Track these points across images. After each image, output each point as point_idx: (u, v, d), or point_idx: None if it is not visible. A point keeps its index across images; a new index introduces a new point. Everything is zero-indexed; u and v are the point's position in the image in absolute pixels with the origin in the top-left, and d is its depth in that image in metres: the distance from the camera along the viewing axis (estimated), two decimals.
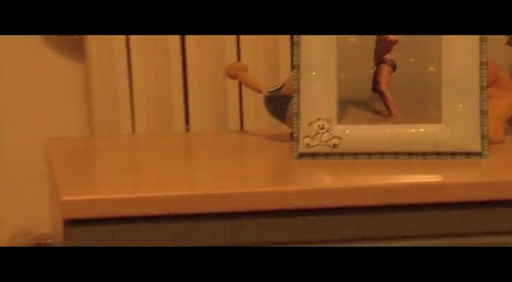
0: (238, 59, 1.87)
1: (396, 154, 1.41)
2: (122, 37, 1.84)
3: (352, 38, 1.44)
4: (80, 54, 1.90)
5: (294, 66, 1.46)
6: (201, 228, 1.24)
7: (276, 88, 1.65)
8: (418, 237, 1.27)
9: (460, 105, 1.38)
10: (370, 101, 1.43)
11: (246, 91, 1.97)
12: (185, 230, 1.24)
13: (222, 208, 1.22)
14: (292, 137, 1.47)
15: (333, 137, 1.41)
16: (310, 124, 1.42)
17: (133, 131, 1.99)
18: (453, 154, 1.39)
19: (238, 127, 2.03)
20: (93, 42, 1.85)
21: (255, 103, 1.97)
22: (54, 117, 2.04)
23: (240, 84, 1.96)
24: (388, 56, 1.42)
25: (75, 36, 1.86)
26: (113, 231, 1.21)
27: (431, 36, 1.39)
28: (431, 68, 1.40)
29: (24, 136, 2.03)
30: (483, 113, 1.38)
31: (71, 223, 1.19)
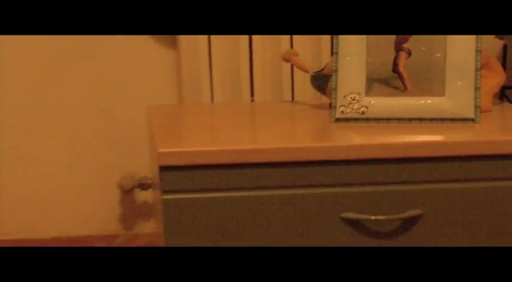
0: (291, 47, 1.88)
1: (409, 120, 1.45)
2: None
3: None
4: (173, 43, 1.91)
5: (333, 53, 1.50)
6: (260, 174, 1.30)
7: (319, 69, 1.67)
8: (426, 182, 1.32)
9: (459, 83, 1.42)
10: (390, 79, 1.48)
11: (296, 71, 1.98)
12: (249, 175, 1.30)
13: (277, 159, 1.28)
14: (331, 106, 1.50)
15: (362, 106, 1.46)
16: (344, 96, 1.46)
17: (212, 100, 2.00)
18: (453, 120, 1.44)
19: (290, 98, 2.04)
20: (184, 35, 1.89)
21: (303, 80, 1.97)
22: (154, 90, 2.08)
23: (292, 66, 1.97)
24: (405, 45, 1.45)
25: None
26: (195, 174, 1.28)
27: None
28: (438, 54, 1.44)
29: (133, 104, 2.07)
30: (477, 88, 1.41)
31: (164, 168, 1.27)
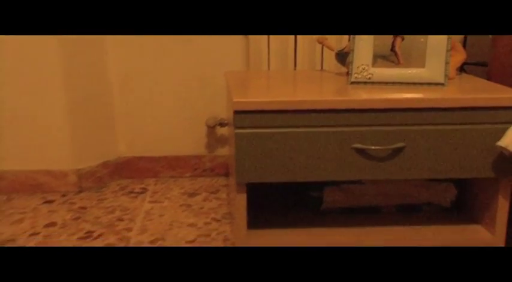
0: None
1: (400, 83, 1.46)
2: None
3: None
4: None
5: (350, 38, 1.51)
6: (299, 117, 1.34)
7: (341, 48, 1.68)
8: (409, 125, 1.36)
9: (435, 59, 1.45)
10: (389, 55, 1.49)
11: (325, 49, 1.98)
12: (292, 118, 1.34)
13: (310, 107, 1.33)
14: (348, 74, 1.52)
15: (369, 74, 1.48)
16: (357, 67, 1.48)
17: (268, 68, 2.00)
18: (429, 84, 1.45)
19: (320, 68, 2.02)
20: None
21: (329, 56, 1.97)
22: (230, 62, 2.08)
23: (322, 46, 1.97)
24: None
25: None
26: (257, 117, 1.33)
27: None
28: (422, 40, 1.45)
29: (217, 70, 2.08)
30: (447, 63, 1.43)
31: (237, 112, 1.32)
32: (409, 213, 1.58)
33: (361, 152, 1.34)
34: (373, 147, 1.33)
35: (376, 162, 1.36)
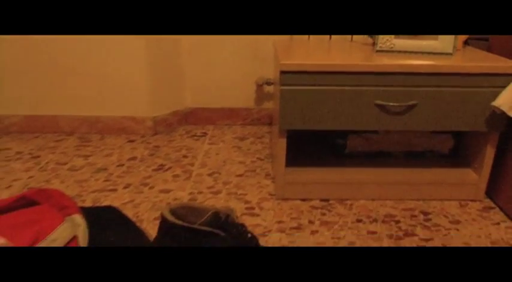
0: None
1: (417, 52, 1.44)
2: None
3: None
4: None
5: None
6: (333, 77, 1.33)
7: None
8: (422, 86, 1.34)
9: (446, 36, 1.41)
10: None
11: None
12: (327, 78, 1.33)
13: (342, 69, 1.32)
14: (374, 44, 1.51)
15: (391, 44, 1.46)
16: (382, 38, 1.47)
17: (309, 38, 1.95)
18: (440, 53, 1.43)
19: (350, 39, 1.94)
20: None
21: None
22: None
23: None
24: None
25: None
26: (298, 76, 1.32)
27: None
28: None
29: (267, 39, 2.07)
30: (456, 38, 1.40)
31: (283, 72, 1.32)
32: (414, 158, 1.61)
33: (381, 107, 1.34)
34: (391, 104, 1.33)
35: (392, 116, 1.36)
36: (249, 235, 1.07)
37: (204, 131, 2.11)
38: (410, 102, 1.34)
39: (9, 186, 1.57)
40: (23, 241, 0.96)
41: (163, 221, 1.08)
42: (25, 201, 1.07)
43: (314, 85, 1.33)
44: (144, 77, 2.01)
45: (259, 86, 2.12)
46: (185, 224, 1.05)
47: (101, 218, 1.07)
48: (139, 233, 1.05)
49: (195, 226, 1.04)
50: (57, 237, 0.98)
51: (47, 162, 1.74)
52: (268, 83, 2.07)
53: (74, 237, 1.00)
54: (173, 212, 1.10)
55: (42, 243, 0.97)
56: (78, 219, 1.03)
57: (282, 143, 1.41)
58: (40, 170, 1.68)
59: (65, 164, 1.73)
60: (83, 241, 1.00)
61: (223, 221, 1.05)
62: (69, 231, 1.00)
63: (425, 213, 1.38)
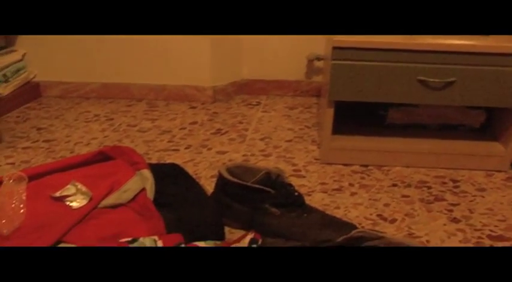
0: None
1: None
2: None
3: None
4: None
5: None
6: (382, 53, 1.32)
7: None
8: (460, 64, 1.31)
9: None
10: None
11: None
12: (376, 54, 1.32)
13: (389, 46, 1.30)
14: None
15: None
16: None
17: None
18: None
19: None
20: None
21: None
22: None
23: None
24: None
25: None
26: (350, 53, 1.32)
27: None
28: None
29: None
30: None
31: (335, 48, 1.31)
32: (448, 130, 1.58)
33: (422, 82, 1.31)
34: (431, 80, 1.30)
35: (432, 91, 1.34)
36: (296, 193, 1.07)
37: (258, 100, 2.11)
38: (449, 79, 1.32)
39: (88, 143, 1.64)
40: (100, 190, 1.00)
41: (220, 178, 1.10)
42: (102, 156, 1.11)
43: (362, 60, 1.31)
44: (206, 51, 2.03)
45: (310, 61, 2.10)
46: (240, 182, 1.07)
47: (166, 173, 1.10)
48: (198, 188, 1.07)
49: (248, 183, 1.06)
50: (128, 188, 1.02)
51: (119, 124, 1.79)
52: (318, 59, 2.05)
53: (143, 189, 1.03)
54: (229, 170, 1.12)
55: (116, 193, 1.01)
56: (147, 173, 1.06)
57: (330, 112, 1.40)
58: (113, 130, 1.74)
59: (135, 126, 1.78)
60: (150, 193, 1.02)
61: (273, 180, 1.06)
62: (139, 184, 1.03)
63: (454, 181, 1.37)
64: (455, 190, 1.34)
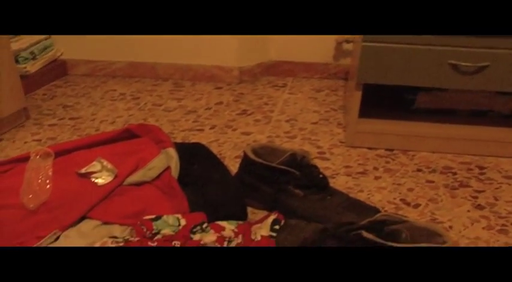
0: None
1: None
2: None
3: None
4: None
5: None
6: (413, 37, 1.29)
7: None
8: (493, 48, 1.29)
9: None
10: None
11: None
12: (406, 37, 1.30)
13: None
14: None
15: None
16: None
17: None
18: None
19: None
20: None
21: None
22: None
23: None
24: None
25: None
26: (383, 36, 1.30)
27: None
28: None
29: None
30: None
31: None
32: (477, 116, 1.55)
33: (453, 66, 1.29)
34: (463, 64, 1.27)
35: (463, 76, 1.31)
36: (321, 176, 1.07)
37: (284, 82, 2.11)
38: (482, 63, 1.28)
39: (114, 122, 1.65)
40: (125, 168, 1.01)
41: (245, 159, 1.10)
42: (128, 134, 1.12)
43: (393, 43, 1.29)
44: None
45: (339, 43, 2.07)
46: (264, 162, 1.07)
47: (191, 152, 1.10)
48: (223, 167, 1.08)
49: (273, 164, 1.06)
50: (153, 166, 1.03)
51: (145, 103, 1.81)
52: (348, 41, 2.02)
53: (168, 168, 1.03)
54: (254, 151, 1.12)
55: (141, 171, 1.02)
56: (172, 152, 1.07)
57: (357, 95, 1.39)
58: (139, 109, 1.75)
59: (160, 105, 1.79)
60: (174, 171, 1.03)
61: (298, 161, 1.06)
62: (164, 162, 1.04)
63: (480, 168, 1.35)
64: (481, 177, 1.32)
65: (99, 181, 0.98)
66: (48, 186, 0.96)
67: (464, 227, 1.07)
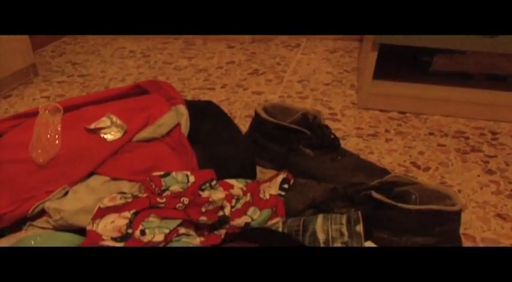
0: None
1: None
2: None
3: None
4: None
5: None
6: None
7: None
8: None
9: None
10: None
11: None
12: None
13: None
14: None
15: None
16: None
17: None
18: None
19: None
20: None
21: None
22: None
23: None
24: None
25: None
26: None
27: None
28: None
29: None
30: None
31: None
32: (493, 80, 1.52)
33: None
34: None
35: (483, 37, 1.28)
36: (332, 136, 1.06)
37: (297, 42, 2.10)
38: None
39: (123, 79, 1.64)
40: (135, 124, 1.01)
41: (256, 117, 1.09)
42: (138, 90, 1.12)
43: None
44: None
45: None
46: (276, 121, 1.06)
47: (201, 110, 1.10)
48: (233, 126, 1.07)
49: (284, 123, 1.05)
50: (163, 123, 1.02)
51: (155, 61, 1.80)
52: None
53: (178, 125, 1.03)
54: (266, 110, 1.11)
55: (151, 127, 1.02)
56: (182, 109, 1.06)
57: (373, 56, 1.37)
58: (149, 67, 1.74)
59: (171, 63, 1.78)
60: (184, 129, 1.03)
61: (310, 121, 1.05)
62: (174, 119, 1.04)
63: (493, 133, 1.35)
64: (493, 142, 1.32)
65: (108, 137, 0.98)
66: (57, 141, 0.96)
67: (473, 191, 1.07)
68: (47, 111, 1.02)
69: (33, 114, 1.03)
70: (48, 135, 0.97)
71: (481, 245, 0.89)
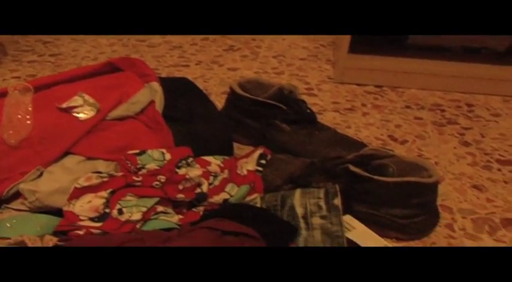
0: None
1: None
2: None
3: None
4: None
5: None
6: None
7: None
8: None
9: None
10: None
11: None
12: None
13: None
14: None
15: None
16: None
17: None
18: None
19: None
20: None
21: None
22: None
23: None
24: None
25: None
26: None
27: None
28: None
29: None
30: None
31: None
32: (469, 53, 1.55)
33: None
34: None
35: None
36: (308, 111, 1.06)
37: None
38: None
39: (96, 58, 1.62)
40: (108, 102, 0.99)
41: (232, 93, 1.09)
42: (111, 68, 1.09)
43: None
44: None
45: None
46: (251, 97, 1.06)
47: (176, 87, 1.08)
48: (208, 102, 1.07)
49: (260, 98, 1.05)
50: (137, 101, 1.01)
51: (128, 39, 1.78)
52: None
53: (152, 102, 1.02)
54: (241, 85, 1.10)
55: (125, 105, 1.00)
56: (156, 86, 1.05)
57: None
58: (122, 45, 1.72)
59: (144, 41, 1.76)
60: (159, 106, 1.02)
61: (286, 96, 1.05)
62: (147, 96, 1.02)
63: (469, 105, 1.37)
64: (469, 114, 1.34)
65: (81, 116, 0.96)
66: (28, 121, 0.94)
67: (450, 163, 1.09)
68: (16, 91, 1.00)
69: (2, 94, 1.00)
70: (19, 116, 0.95)
71: (458, 215, 0.90)
